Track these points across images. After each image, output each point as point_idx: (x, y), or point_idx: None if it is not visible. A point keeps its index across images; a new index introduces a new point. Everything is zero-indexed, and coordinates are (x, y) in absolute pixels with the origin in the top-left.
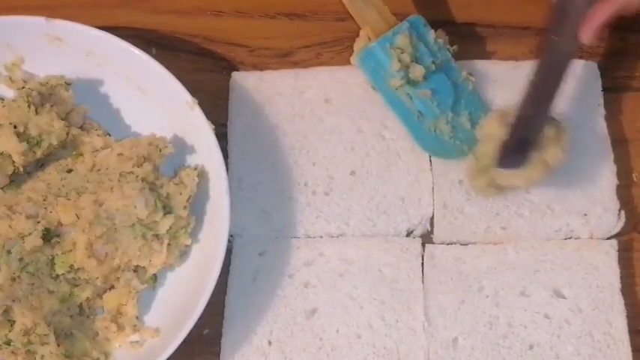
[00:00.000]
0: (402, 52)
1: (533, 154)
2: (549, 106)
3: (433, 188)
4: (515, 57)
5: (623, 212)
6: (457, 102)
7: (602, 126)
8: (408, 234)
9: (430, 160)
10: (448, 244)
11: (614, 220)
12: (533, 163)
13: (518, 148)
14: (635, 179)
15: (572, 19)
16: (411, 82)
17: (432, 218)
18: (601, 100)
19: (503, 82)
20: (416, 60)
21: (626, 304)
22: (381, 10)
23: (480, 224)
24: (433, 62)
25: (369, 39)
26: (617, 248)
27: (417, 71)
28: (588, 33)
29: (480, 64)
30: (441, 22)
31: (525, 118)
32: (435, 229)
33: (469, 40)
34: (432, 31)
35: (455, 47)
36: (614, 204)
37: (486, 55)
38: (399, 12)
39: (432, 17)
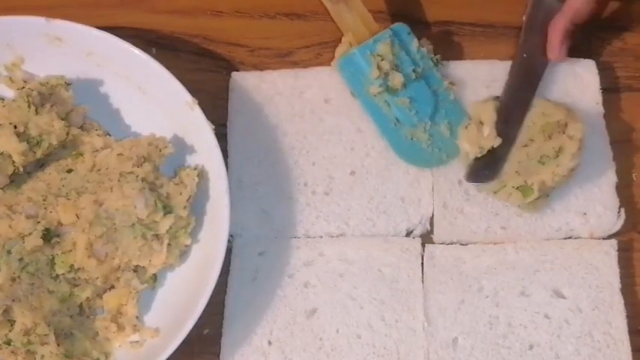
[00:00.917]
0: (382, 60)
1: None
2: (521, 120)
3: (433, 188)
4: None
5: (622, 210)
6: (437, 111)
7: (600, 124)
8: (408, 234)
9: None
10: (448, 244)
11: (613, 219)
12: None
13: (490, 163)
14: (634, 178)
15: (538, 38)
16: (389, 90)
17: (431, 218)
18: (599, 99)
19: (502, 82)
20: (396, 68)
21: (626, 304)
22: (364, 17)
23: (480, 224)
24: (414, 71)
25: (351, 45)
26: (616, 248)
27: (396, 79)
28: (553, 51)
29: (481, 64)
30: (442, 22)
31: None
32: (435, 230)
33: (469, 39)
34: (416, 39)
35: (438, 56)
36: (613, 202)
37: (486, 55)
38: (401, 12)
39: (432, 17)
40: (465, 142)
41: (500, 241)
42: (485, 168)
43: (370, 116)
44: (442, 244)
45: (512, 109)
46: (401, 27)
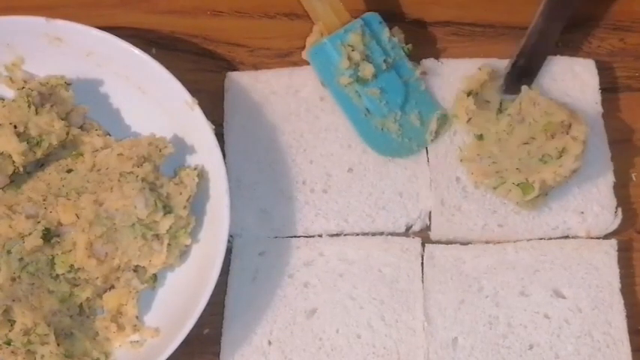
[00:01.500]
0: (352, 50)
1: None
2: (555, 36)
3: (430, 185)
4: None
5: (619, 210)
6: (407, 101)
7: (599, 124)
8: (408, 229)
9: (427, 156)
10: (448, 244)
11: (610, 218)
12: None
13: (522, 74)
14: (634, 178)
15: None
16: (360, 80)
17: (430, 214)
18: (599, 98)
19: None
20: (367, 58)
21: (626, 304)
22: (335, 6)
23: (477, 221)
24: (385, 61)
25: (322, 35)
26: (616, 248)
27: (367, 70)
28: None
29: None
30: (442, 22)
31: (534, 45)
32: (432, 226)
33: (469, 39)
34: (387, 29)
35: (409, 46)
36: (610, 202)
37: (486, 55)
38: (400, 12)
39: (432, 17)
40: None
41: (497, 238)
42: (523, 75)
43: (340, 106)
44: (439, 241)
45: (548, 22)
46: (372, 16)
